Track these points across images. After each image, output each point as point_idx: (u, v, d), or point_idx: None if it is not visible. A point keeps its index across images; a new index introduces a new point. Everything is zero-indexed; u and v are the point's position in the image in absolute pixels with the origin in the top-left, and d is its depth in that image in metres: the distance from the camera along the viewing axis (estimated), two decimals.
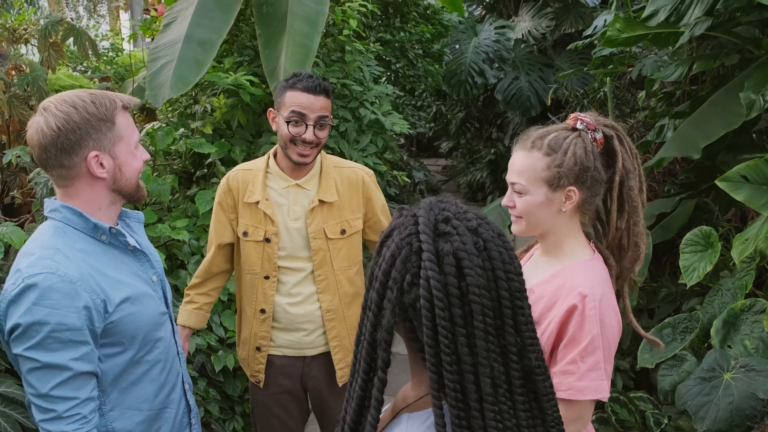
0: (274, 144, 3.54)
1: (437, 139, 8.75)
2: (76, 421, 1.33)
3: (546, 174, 1.52)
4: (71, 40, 3.64)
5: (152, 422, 1.53)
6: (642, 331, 1.65)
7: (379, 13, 4.99)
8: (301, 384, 2.28)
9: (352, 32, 4.05)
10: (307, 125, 2.04)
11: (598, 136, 1.54)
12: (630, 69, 4.11)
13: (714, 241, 2.71)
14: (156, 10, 7.42)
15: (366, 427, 0.90)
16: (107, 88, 3.51)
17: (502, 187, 7.27)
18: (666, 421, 2.52)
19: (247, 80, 3.47)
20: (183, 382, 1.66)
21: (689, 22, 2.84)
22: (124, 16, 7.71)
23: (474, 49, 6.47)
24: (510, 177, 1.58)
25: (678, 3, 2.80)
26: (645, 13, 2.97)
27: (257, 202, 2.15)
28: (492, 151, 7.34)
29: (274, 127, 2.15)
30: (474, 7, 7.45)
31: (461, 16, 6.32)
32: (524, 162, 1.55)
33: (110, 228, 1.47)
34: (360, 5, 4.13)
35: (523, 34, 6.69)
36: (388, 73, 5.39)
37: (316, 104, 2.05)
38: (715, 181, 2.50)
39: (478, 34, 6.68)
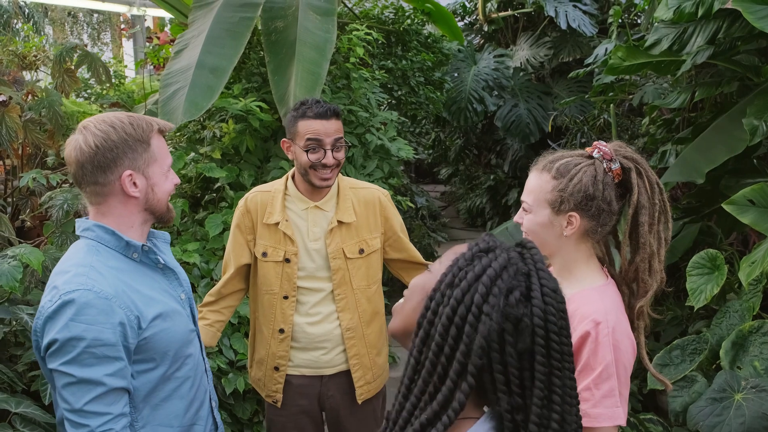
0: (283, 169, 3.61)
1: (436, 166, 8.83)
2: None
3: (549, 196, 1.54)
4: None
5: None
6: (653, 370, 1.62)
7: (383, 41, 5.08)
8: (318, 404, 2.29)
9: (357, 60, 4.12)
10: (324, 150, 2.09)
11: (614, 166, 1.54)
12: (630, 96, 4.19)
13: (720, 264, 2.75)
14: (158, 38, 7.51)
15: (438, 426, 0.91)
16: None
17: (501, 213, 7.32)
18: None
19: (256, 106, 3.52)
20: (210, 399, 1.68)
21: (691, 51, 2.92)
22: (127, 44, 7.81)
23: (474, 77, 6.57)
24: (522, 195, 1.64)
25: (680, 32, 2.88)
26: (648, 42, 3.05)
27: (277, 223, 2.19)
28: (491, 177, 7.41)
29: (290, 156, 2.19)
30: (472, 36, 7.57)
31: (461, 45, 6.43)
32: (534, 182, 1.59)
33: (142, 246, 1.50)
34: (365, 34, 4.22)
35: (521, 63, 6.80)
36: (390, 100, 5.46)
37: (330, 128, 2.10)
38: (722, 204, 2.55)
39: (477, 62, 6.80)
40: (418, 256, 2.40)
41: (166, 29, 7.01)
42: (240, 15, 3.54)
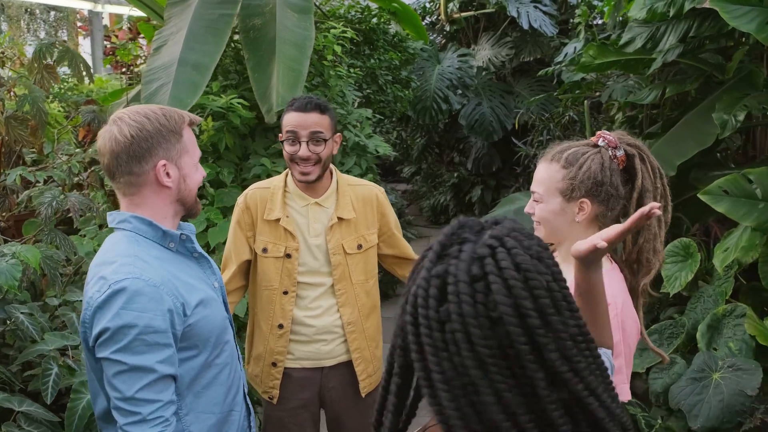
0: (264, 166, 3.61)
1: (399, 164, 8.91)
2: (159, 424, 1.36)
3: (561, 185, 1.63)
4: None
5: (222, 425, 1.56)
6: (652, 345, 1.74)
7: (357, 39, 5.12)
8: (318, 397, 2.31)
9: (333, 57, 4.16)
10: (300, 143, 2.11)
11: (619, 153, 1.62)
12: (598, 94, 4.35)
13: (693, 252, 2.90)
14: (117, 36, 7.31)
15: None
16: (93, 111, 3.50)
17: (465, 210, 7.45)
18: (659, 422, 2.66)
19: (237, 103, 3.52)
20: (242, 385, 1.71)
21: (663, 49, 3.07)
22: (84, 42, 7.63)
23: (438, 76, 6.68)
24: (532, 186, 1.70)
25: (653, 31, 3.03)
26: (623, 40, 3.19)
27: (278, 219, 2.21)
28: (455, 175, 7.53)
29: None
30: (434, 35, 7.69)
31: (426, 44, 6.52)
32: (544, 173, 1.67)
33: (180, 234, 1.52)
34: (341, 32, 4.25)
35: (483, 62, 6.95)
36: (360, 99, 5.51)
37: (307, 120, 2.11)
38: (698, 194, 2.69)
39: (441, 61, 6.91)
40: (411, 252, 2.45)
41: (125, 27, 6.86)
42: (219, 12, 3.53)
